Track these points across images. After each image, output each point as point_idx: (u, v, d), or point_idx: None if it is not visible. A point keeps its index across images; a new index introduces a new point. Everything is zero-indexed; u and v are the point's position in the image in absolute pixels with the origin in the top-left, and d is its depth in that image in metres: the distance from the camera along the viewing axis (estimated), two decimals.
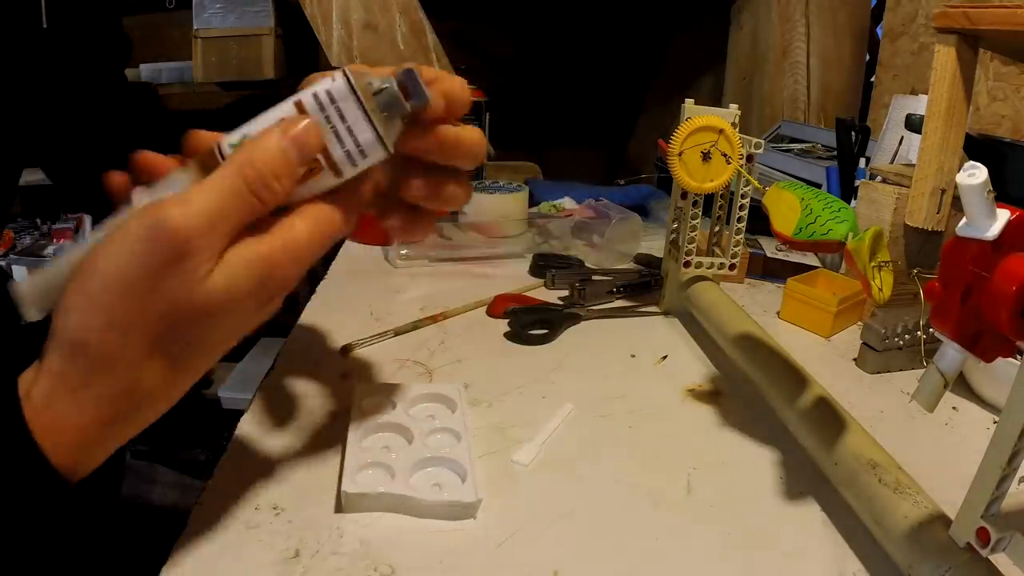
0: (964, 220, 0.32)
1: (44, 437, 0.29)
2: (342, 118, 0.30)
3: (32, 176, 0.62)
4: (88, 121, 0.60)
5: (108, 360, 0.30)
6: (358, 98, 0.30)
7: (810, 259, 0.90)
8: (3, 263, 1.84)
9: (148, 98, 0.67)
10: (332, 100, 0.30)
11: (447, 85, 0.37)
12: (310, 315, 0.70)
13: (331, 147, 0.30)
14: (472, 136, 0.40)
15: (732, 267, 0.72)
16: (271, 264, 0.31)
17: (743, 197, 0.69)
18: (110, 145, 0.59)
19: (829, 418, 0.48)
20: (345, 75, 0.30)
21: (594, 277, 0.81)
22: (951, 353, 0.35)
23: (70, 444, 0.30)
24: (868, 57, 1.53)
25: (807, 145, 1.26)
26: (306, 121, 0.30)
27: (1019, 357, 0.32)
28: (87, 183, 0.62)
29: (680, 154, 0.61)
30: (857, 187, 0.82)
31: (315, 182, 0.30)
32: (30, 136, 0.57)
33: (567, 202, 1.07)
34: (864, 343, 0.66)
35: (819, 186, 1.01)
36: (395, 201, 0.42)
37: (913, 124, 0.83)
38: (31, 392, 0.30)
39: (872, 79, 1.41)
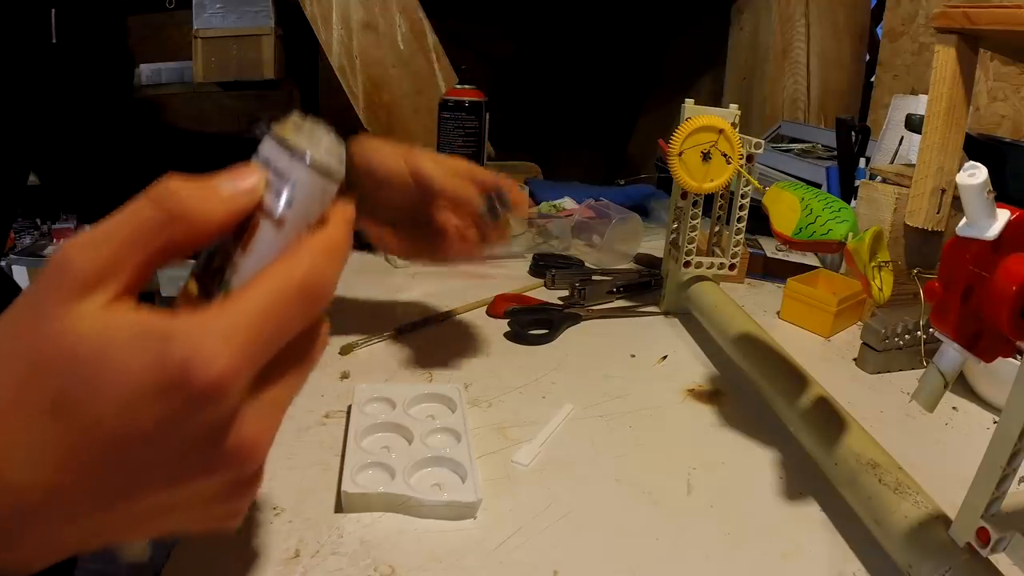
0: (964, 220, 0.32)
1: None
2: (274, 170, 0.26)
3: (32, 176, 0.63)
4: (90, 130, 0.61)
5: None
6: (277, 141, 0.26)
7: (810, 259, 0.90)
8: (3, 263, 1.84)
9: (150, 113, 0.69)
10: (267, 163, 0.27)
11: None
12: None
13: (268, 200, 0.26)
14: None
15: (732, 267, 0.72)
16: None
17: (743, 197, 0.69)
18: (108, 155, 0.61)
19: (829, 418, 0.48)
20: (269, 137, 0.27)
21: (594, 277, 0.81)
22: (951, 353, 0.35)
23: None
24: (868, 57, 1.53)
25: (807, 145, 1.26)
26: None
27: (1019, 357, 0.32)
28: (80, 188, 0.64)
29: (680, 154, 0.61)
30: (857, 187, 0.82)
31: (260, 239, 0.26)
32: (36, 143, 0.58)
33: (567, 202, 1.07)
34: (864, 343, 0.66)
35: (819, 186, 1.01)
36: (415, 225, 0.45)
37: (913, 124, 0.83)
38: None
39: (872, 79, 1.41)
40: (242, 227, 0.26)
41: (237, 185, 0.25)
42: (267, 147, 0.26)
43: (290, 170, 0.26)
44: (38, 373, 0.23)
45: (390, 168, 0.57)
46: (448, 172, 0.58)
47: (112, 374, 0.22)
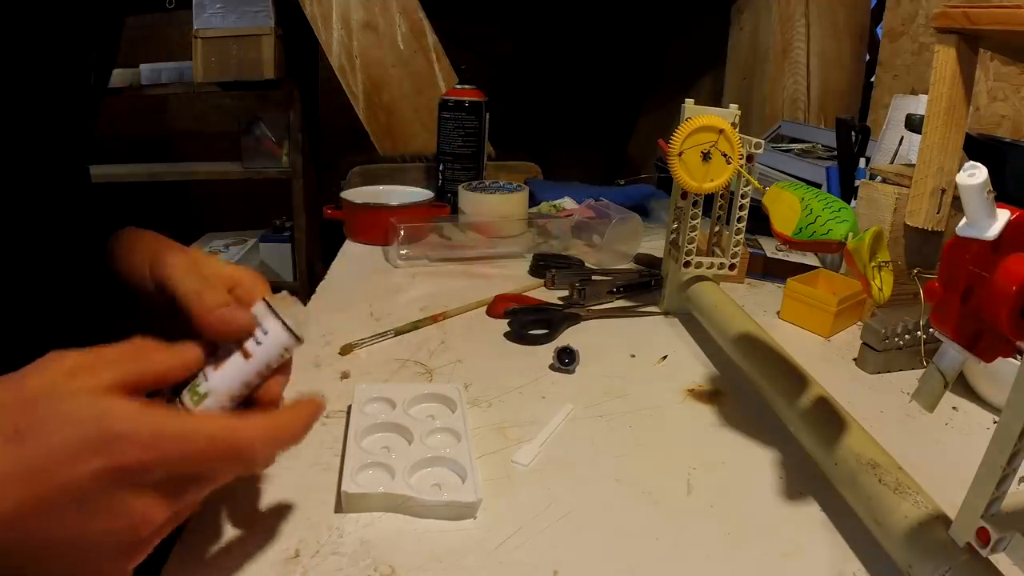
0: (964, 220, 0.32)
1: None
2: (256, 321, 0.36)
3: None
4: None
5: None
6: (265, 304, 0.37)
7: (810, 259, 0.90)
8: None
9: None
10: (253, 316, 0.37)
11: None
12: (310, 315, 0.70)
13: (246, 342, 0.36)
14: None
15: (732, 267, 0.72)
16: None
17: (743, 197, 0.69)
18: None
19: (829, 418, 0.48)
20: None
21: (594, 277, 0.81)
22: (951, 353, 0.35)
23: None
24: (868, 57, 1.53)
25: (807, 145, 1.26)
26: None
27: (1019, 357, 0.32)
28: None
29: (680, 154, 0.61)
30: (857, 187, 0.82)
31: (230, 363, 0.35)
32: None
33: (567, 202, 1.07)
34: (864, 343, 0.66)
35: (819, 186, 1.01)
36: None
37: (913, 124, 0.83)
38: None
39: (872, 79, 1.41)
40: (218, 352, 0.35)
41: (183, 355, 0.34)
42: (258, 307, 0.37)
43: (267, 323, 0.36)
44: (7, 408, 0.29)
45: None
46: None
47: (64, 424, 0.29)
